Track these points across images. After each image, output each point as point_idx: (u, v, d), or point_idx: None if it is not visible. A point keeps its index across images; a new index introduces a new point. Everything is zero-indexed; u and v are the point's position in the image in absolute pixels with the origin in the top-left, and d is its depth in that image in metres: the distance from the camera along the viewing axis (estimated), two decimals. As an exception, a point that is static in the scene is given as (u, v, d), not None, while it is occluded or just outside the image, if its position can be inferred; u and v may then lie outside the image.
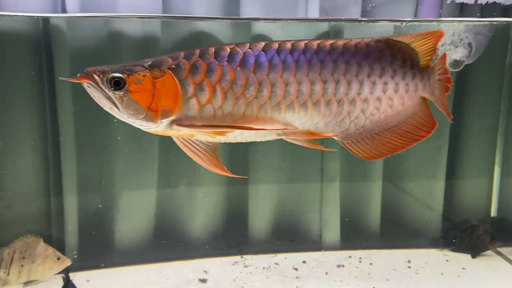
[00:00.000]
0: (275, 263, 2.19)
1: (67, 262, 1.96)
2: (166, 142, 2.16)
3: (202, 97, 0.89)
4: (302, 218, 2.40)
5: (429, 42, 1.01)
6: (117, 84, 0.86)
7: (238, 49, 0.92)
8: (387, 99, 0.99)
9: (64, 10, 1.90)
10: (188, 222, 2.29)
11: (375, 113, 0.99)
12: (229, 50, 0.91)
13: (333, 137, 1.02)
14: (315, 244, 2.35)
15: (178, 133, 0.92)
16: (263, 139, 1.00)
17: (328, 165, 2.26)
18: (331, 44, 0.96)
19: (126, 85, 0.85)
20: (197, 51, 0.91)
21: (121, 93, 0.86)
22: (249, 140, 1.01)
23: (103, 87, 0.86)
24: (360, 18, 2.11)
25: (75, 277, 1.86)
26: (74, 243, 2.08)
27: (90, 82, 0.87)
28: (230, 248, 2.30)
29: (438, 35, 1.01)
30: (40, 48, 1.97)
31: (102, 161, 2.11)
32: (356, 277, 2.02)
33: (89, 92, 0.93)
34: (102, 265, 2.10)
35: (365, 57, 0.96)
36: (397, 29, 2.05)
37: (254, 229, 2.36)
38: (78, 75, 0.90)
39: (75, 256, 2.05)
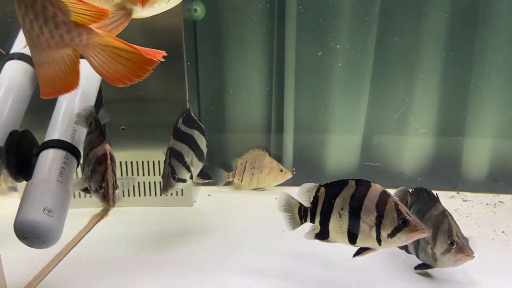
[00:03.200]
0: (500, 201, 2.02)
1: (289, 175, 2.15)
2: (377, 72, 2.15)
3: None
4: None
5: None
6: None
7: None
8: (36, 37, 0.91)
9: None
10: (397, 154, 2.27)
11: (30, 44, 0.93)
12: None
13: None
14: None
15: None
16: None
17: None
18: None
19: None
20: None
21: None
22: None
23: None
24: None
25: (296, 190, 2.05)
26: (290, 161, 2.27)
27: None
28: (443, 184, 2.20)
29: None
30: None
31: (317, 91, 2.22)
32: None
33: None
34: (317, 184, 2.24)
35: None
36: None
37: (468, 169, 2.22)
38: None
39: (294, 172, 2.23)
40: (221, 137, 2.32)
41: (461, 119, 2.20)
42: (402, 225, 1.13)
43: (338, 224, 1.22)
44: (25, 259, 1.44)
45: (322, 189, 1.27)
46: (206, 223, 1.80)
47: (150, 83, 1.90)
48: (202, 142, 1.57)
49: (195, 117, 1.60)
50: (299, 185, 2.19)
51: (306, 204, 1.30)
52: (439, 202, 1.35)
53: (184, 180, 1.51)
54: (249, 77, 2.23)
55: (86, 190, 1.40)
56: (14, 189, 2.03)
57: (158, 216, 1.87)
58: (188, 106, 1.64)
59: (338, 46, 2.12)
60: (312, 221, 1.29)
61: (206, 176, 1.62)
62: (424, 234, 1.13)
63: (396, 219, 1.13)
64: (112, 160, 1.29)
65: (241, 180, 2.17)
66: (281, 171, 2.14)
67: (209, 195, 2.14)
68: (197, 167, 1.55)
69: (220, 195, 2.15)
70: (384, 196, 1.17)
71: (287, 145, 2.24)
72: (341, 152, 2.28)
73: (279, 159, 2.23)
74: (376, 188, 1.19)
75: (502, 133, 2.18)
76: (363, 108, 2.21)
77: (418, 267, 1.37)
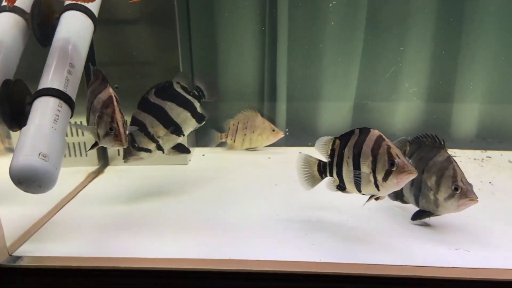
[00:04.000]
0: (487, 156, 2.07)
1: (281, 135, 2.18)
2: (371, 33, 2.16)
3: None
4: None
5: None
6: None
7: None
8: None
9: None
10: (388, 117, 2.30)
11: None
12: None
13: None
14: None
15: None
16: None
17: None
18: None
19: None
20: None
21: None
22: None
23: None
24: None
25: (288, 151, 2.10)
26: (284, 122, 2.30)
27: None
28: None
29: None
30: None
31: (310, 54, 2.22)
32: None
33: None
34: (309, 144, 2.28)
35: None
36: None
37: (458, 130, 2.26)
38: None
39: (287, 133, 2.26)
40: (215, 103, 2.32)
41: (451, 83, 2.22)
42: (391, 167, 1.14)
43: (347, 174, 1.24)
44: (22, 213, 1.47)
45: (337, 142, 1.28)
46: (200, 180, 1.83)
47: (143, 47, 1.91)
48: (178, 115, 1.55)
49: (179, 90, 1.57)
50: (292, 145, 2.27)
51: (323, 158, 1.31)
52: (444, 148, 1.32)
53: (148, 150, 1.51)
54: (242, 43, 2.23)
55: (94, 146, 1.41)
56: (11, 150, 2.05)
57: (153, 173, 1.90)
58: (180, 74, 1.60)
59: (330, 5, 2.12)
60: (331, 174, 1.30)
61: (183, 149, 1.61)
62: (412, 175, 1.13)
63: (387, 162, 1.14)
64: (118, 102, 1.30)
65: (234, 141, 2.20)
66: (273, 130, 2.17)
67: (203, 155, 2.17)
68: (167, 139, 1.54)
69: (214, 155, 2.18)
70: (379, 140, 1.18)
71: (280, 107, 2.26)
72: (334, 114, 2.31)
73: (272, 120, 2.26)
74: (373, 133, 1.20)
75: (490, 96, 2.22)
76: (355, 71, 2.23)
77: (415, 216, 1.37)
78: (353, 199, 1.32)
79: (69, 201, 1.62)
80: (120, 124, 1.27)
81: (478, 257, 1.18)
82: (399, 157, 1.14)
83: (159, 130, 1.51)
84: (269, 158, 2.13)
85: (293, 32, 2.16)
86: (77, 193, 1.69)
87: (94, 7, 1.51)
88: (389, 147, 1.16)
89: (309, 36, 2.18)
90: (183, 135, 1.58)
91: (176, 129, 1.56)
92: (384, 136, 1.19)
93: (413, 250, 1.23)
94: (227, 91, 2.28)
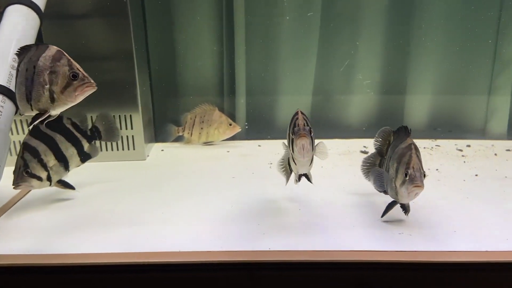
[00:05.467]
0: (436, 145, 2.16)
1: (237, 129, 2.20)
2: (326, 27, 2.20)
3: None
4: (462, 111, 2.32)
5: None
6: None
7: None
8: None
9: None
10: (345, 109, 2.36)
11: None
12: None
13: None
14: (477, 134, 2.29)
15: None
16: None
17: (504, 48, 2.09)
18: None
19: None
20: None
21: None
22: None
23: None
24: None
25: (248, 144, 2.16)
26: (243, 116, 2.31)
27: None
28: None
29: None
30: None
31: (268, 46, 2.25)
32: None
33: None
34: (269, 137, 2.31)
35: None
36: None
37: (410, 120, 2.34)
38: None
39: (246, 127, 2.27)
40: (173, 97, 2.32)
41: (403, 77, 2.30)
42: (293, 134, 1.21)
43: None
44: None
45: None
46: (158, 175, 1.83)
47: (95, 40, 1.87)
48: (67, 149, 1.52)
49: (68, 126, 1.54)
50: (252, 139, 2.29)
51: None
52: (409, 136, 1.30)
53: (39, 178, 1.45)
54: (200, 37, 2.23)
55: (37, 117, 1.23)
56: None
57: (110, 170, 1.88)
58: (75, 111, 1.47)
59: (285, 4, 2.16)
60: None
61: (67, 185, 1.57)
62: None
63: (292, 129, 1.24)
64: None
65: (191, 134, 2.20)
66: (230, 125, 2.18)
67: (162, 150, 2.17)
68: (56, 171, 1.50)
69: (173, 149, 2.18)
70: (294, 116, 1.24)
71: (240, 101, 2.28)
72: (292, 107, 2.32)
73: (232, 114, 2.27)
74: (297, 112, 1.25)
75: (440, 88, 2.30)
76: (312, 65, 2.27)
77: (384, 212, 1.36)
78: (307, 190, 1.36)
79: (19, 199, 1.59)
80: (82, 69, 1.12)
81: (418, 241, 1.24)
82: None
83: (51, 160, 1.48)
84: (228, 151, 2.14)
85: (250, 26, 2.18)
86: (27, 192, 1.65)
87: (40, 0, 1.47)
88: (297, 118, 1.22)
89: (266, 30, 2.21)
90: (68, 170, 1.56)
91: (66, 164, 1.53)
92: (301, 112, 1.24)
93: (356, 236, 1.28)
94: (186, 85, 2.27)
